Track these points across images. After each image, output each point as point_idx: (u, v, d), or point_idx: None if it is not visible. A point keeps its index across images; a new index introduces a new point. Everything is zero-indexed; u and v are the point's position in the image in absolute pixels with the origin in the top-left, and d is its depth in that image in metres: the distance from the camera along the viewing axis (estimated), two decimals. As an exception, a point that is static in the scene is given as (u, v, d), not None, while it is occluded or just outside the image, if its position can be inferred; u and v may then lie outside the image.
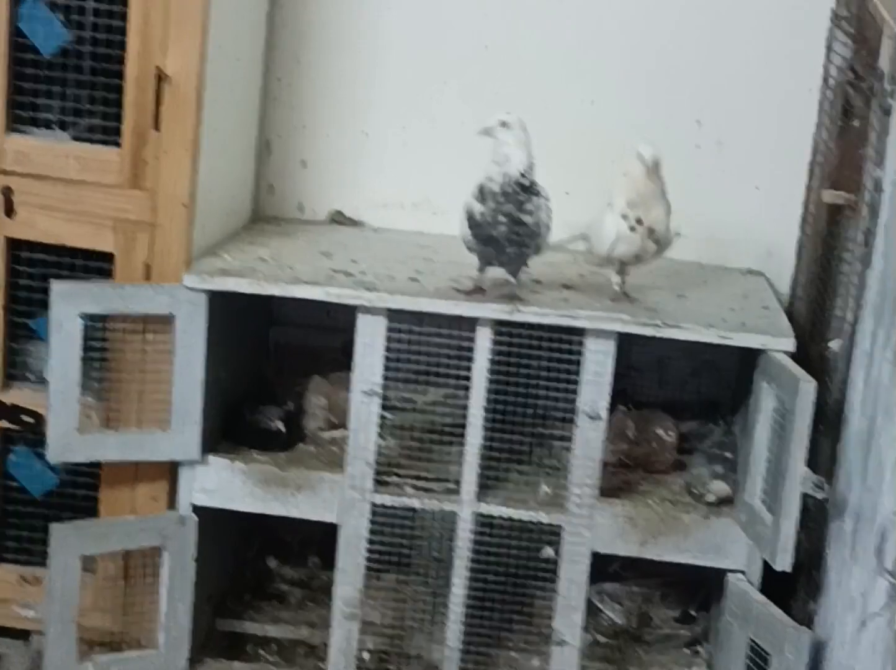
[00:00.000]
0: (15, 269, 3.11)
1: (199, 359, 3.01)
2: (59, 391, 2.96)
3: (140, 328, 3.02)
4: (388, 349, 3.01)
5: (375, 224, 3.66)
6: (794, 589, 3.02)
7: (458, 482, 3.07)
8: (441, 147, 3.59)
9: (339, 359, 3.28)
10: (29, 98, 3.06)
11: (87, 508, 3.19)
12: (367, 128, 3.63)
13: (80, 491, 3.21)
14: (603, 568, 3.33)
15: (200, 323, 3.00)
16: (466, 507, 3.07)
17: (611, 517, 3.06)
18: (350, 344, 3.03)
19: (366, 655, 3.21)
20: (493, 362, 3.00)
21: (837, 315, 3.02)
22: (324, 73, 3.62)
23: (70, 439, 3.00)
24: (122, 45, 2.97)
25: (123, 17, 2.96)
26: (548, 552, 3.12)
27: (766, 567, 2.94)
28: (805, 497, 2.79)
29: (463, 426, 3.04)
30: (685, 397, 3.55)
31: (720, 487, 3.11)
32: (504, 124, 2.90)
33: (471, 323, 2.99)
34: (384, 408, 3.09)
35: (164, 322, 3.01)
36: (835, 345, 3.01)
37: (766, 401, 2.93)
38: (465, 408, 3.03)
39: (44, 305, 3.01)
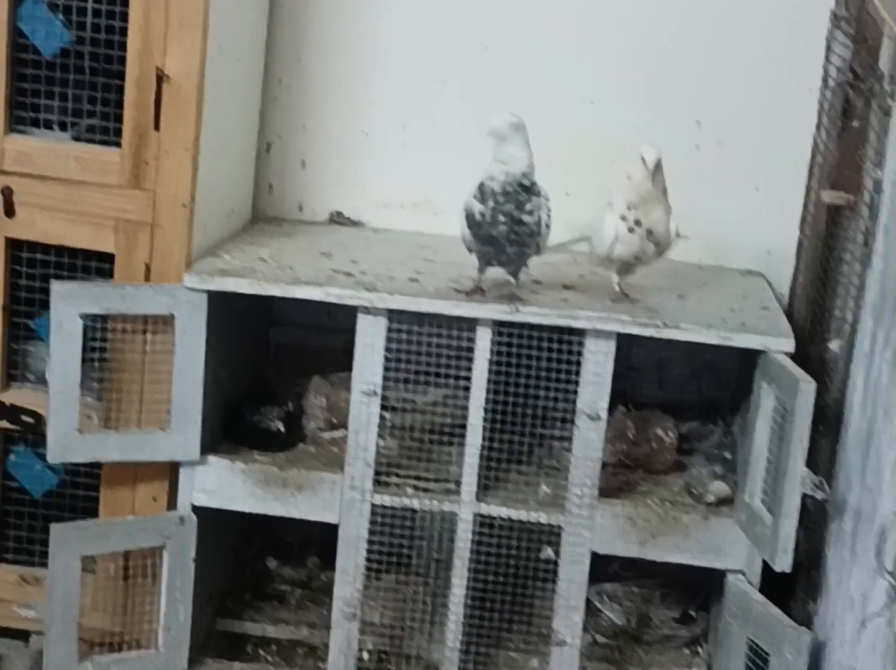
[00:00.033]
0: (15, 270, 3.11)
1: (199, 360, 3.02)
2: (59, 391, 2.96)
3: (140, 328, 3.02)
4: (388, 349, 3.01)
5: (375, 224, 3.66)
6: (794, 589, 3.02)
7: (457, 482, 3.07)
8: (441, 147, 3.60)
9: (340, 360, 3.28)
10: (29, 98, 3.06)
11: (87, 508, 3.19)
12: (367, 128, 3.63)
13: (80, 491, 3.21)
14: (602, 568, 3.33)
15: (201, 323, 3.00)
16: (466, 508, 3.07)
17: (610, 517, 3.06)
18: (350, 344, 3.03)
19: (365, 655, 3.21)
20: (493, 362, 3.00)
21: (837, 315, 3.02)
22: (324, 73, 3.62)
23: (70, 439, 3.00)
24: (122, 46, 2.97)
25: (124, 17, 2.96)
26: (547, 552, 3.12)
27: (766, 567, 2.95)
28: (805, 497, 2.79)
29: (463, 426, 3.04)
30: (685, 398, 3.55)
31: (720, 488, 3.11)
32: (513, 125, 2.90)
33: (471, 323, 2.99)
34: (384, 408, 3.10)
35: (164, 322, 3.01)
36: (834, 345, 3.01)
37: (765, 401, 2.93)
38: (464, 408, 3.03)
39: (44, 305, 3.01)
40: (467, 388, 3.01)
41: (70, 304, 2.93)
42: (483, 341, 2.98)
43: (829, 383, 2.97)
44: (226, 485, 3.11)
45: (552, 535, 3.08)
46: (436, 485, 3.11)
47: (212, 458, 3.11)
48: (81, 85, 3.05)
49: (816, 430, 2.85)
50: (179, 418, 3.03)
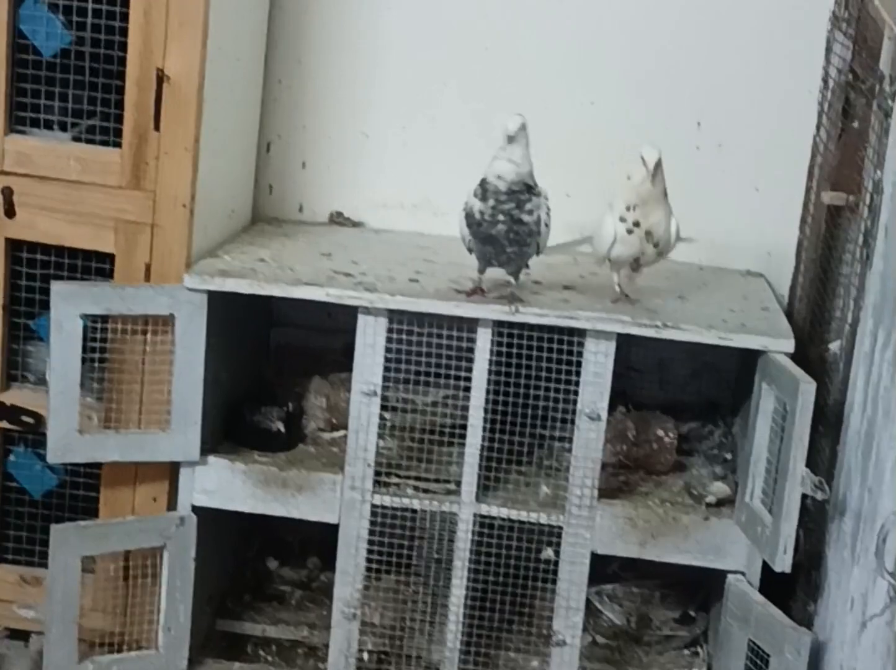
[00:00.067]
0: (15, 270, 3.11)
1: (199, 360, 3.02)
2: (59, 391, 2.96)
3: (140, 328, 3.02)
4: (388, 350, 3.01)
5: (376, 225, 3.66)
6: (794, 589, 3.02)
7: (458, 483, 3.07)
8: (441, 147, 3.60)
9: (340, 360, 3.29)
10: (29, 99, 3.05)
11: (87, 508, 3.19)
12: (367, 128, 3.63)
13: (80, 491, 3.21)
14: (602, 568, 3.33)
15: (201, 323, 3.00)
16: (466, 508, 3.07)
17: (610, 518, 3.06)
18: (350, 344, 3.03)
19: (365, 656, 3.21)
20: (493, 363, 3.00)
21: (837, 316, 3.03)
22: (324, 74, 3.62)
23: (70, 439, 3.00)
24: (122, 46, 2.97)
25: (124, 17, 2.96)
26: (548, 553, 3.12)
27: (766, 567, 2.94)
28: (805, 497, 2.79)
29: (463, 427, 3.04)
30: (685, 398, 3.55)
31: (720, 488, 3.11)
32: (524, 127, 2.89)
33: (471, 323, 2.99)
34: (384, 408, 3.10)
35: (164, 322, 3.01)
36: (835, 345, 3.01)
37: (765, 402, 2.93)
38: (465, 408, 3.03)
39: (44, 306, 3.01)
40: (467, 389, 3.01)
41: (70, 305, 2.93)
42: (483, 341, 2.98)
43: (829, 383, 2.97)
44: (226, 485, 3.11)
45: (552, 536, 3.08)
46: (436, 485, 3.11)
47: (212, 459, 3.11)
48: (81, 85, 3.05)
49: (816, 430, 2.85)
50: (179, 418, 3.03)
